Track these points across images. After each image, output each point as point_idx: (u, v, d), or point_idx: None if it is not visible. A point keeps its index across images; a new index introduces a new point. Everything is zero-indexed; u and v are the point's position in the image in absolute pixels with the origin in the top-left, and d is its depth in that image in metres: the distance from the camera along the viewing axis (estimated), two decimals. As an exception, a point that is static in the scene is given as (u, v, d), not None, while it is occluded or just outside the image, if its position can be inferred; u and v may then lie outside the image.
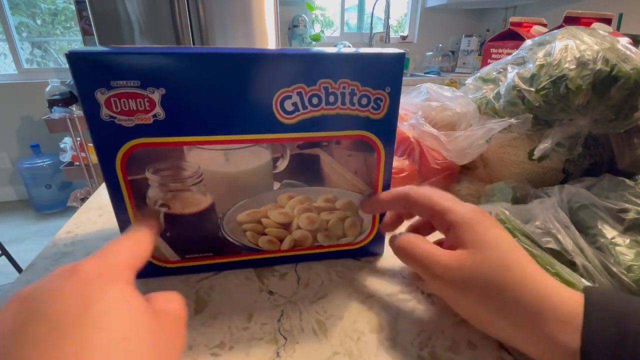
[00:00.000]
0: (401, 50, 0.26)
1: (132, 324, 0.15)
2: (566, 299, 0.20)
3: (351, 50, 0.27)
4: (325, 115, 0.27)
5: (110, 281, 0.16)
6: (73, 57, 0.22)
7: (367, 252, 0.34)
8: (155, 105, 0.24)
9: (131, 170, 0.26)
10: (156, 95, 0.24)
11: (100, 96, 0.23)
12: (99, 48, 0.23)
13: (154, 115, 0.24)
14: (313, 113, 0.26)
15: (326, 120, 0.27)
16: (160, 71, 0.23)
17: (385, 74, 0.26)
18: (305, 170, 0.29)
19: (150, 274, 0.30)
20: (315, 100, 0.26)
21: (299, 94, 0.26)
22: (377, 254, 0.34)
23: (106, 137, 0.24)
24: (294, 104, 0.26)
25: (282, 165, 0.28)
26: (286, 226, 0.31)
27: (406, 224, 0.32)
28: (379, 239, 0.33)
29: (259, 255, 0.31)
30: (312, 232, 0.31)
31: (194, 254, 0.30)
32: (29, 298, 0.14)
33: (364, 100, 0.27)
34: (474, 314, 0.23)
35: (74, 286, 0.15)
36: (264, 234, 0.31)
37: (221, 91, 0.25)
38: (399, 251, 0.27)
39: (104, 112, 0.23)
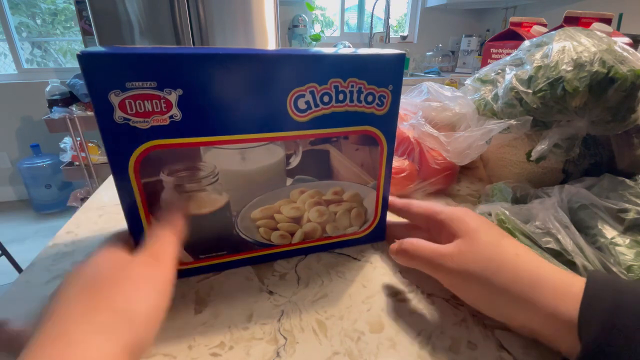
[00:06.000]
0: (402, 51, 0.28)
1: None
2: (560, 272, 0.22)
3: (358, 51, 0.28)
4: (335, 112, 0.28)
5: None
6: (86, 58, 0.21)
7: (370, 239, 0.36)
8: (172, 106, 0.24)
9: (144, 173, 0.25)
10: (173, 97, 0.23)
11: (115, 98, 0.22)
12: (111, 48, 0.23)
13: (171, 117, 0.24)
14: (324, 110, 0.28)
15: (336, 117, 0.28)
16: (178, 72, 0.23)
17: (388, 72, 0.28)
18: (316, 165, 0.30)
19: None
20: (326, 99, 0.27)
21: (312, 92, 0.27)
22: (379, 241, 0.36)
23: (119, 140, 0.24)
24: (307, 102, 0.27)
25: (295, 161, 0.29)
26: (297, 220, 0.32)
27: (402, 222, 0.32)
28: (381, 226, 0.35)
29: (271, 250, 0.32)
30: (322, 224, 0.32)
31: (207, 254, 0.30)
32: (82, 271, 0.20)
33: (370, 98, 0.28)
34: (477, 297, 0.24)
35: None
36: (276, 229, 0.31)
37: (239, 91, 0.25)
38: (405, 253, 0.28)
39: (118, 114, 0.23)
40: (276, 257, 0.33)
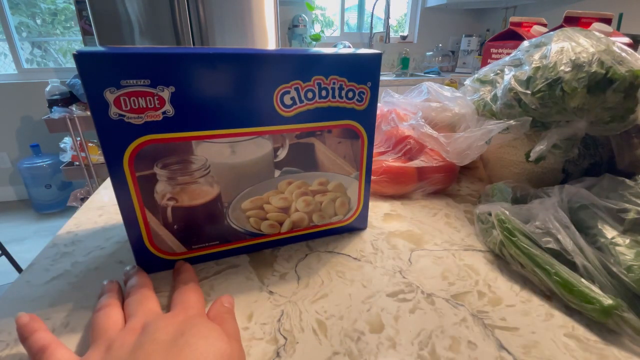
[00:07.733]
0: (378, 51, 0.30)
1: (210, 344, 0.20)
2: None
3: (338, 50, 0.30)
4: (318, 108, 0.30)
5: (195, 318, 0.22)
6: (82, 57, 0.22)
7: (354, 228, 0.38)
8: (165, 103, 0.25)
9: (138, 167, 0.26)
10: (166, 93, 0.25)
11: (110, 95, 0.23)
12: (107, 48, 0.24)
13: (164, 112, 0.25)
14: (308, 106, 0.29)
15: (319, 112, 0.30)
16: (170, 70, 0.24)
17: (366, 70, 0.30)
18: (302, 157, 0.32)
19: (159, 268, 0.31)
20: (310, 95, 0.29)
21: (296, 89, 0.28)
22: (362, 229, 0.38)
23: (114, 135, 0.25)
24: (292, 98, 0.29)
25: (282, 154, 0.31)
26: (285, 210, 0.33)
27: (401, 222, 0.32)
28: (363, 215, 0.37)
29: (261, 240, 0.34)
30: (308, 213, 0.34)
31: (200, 244, 0.31)
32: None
33: (350, 94, 0.31)
34: None
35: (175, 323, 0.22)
36: (266, 219, 0.33)
37: (228, 88, 0.26)
38: None
39: (113, 111, 0.24)
40: (266, 245, 0.34)
